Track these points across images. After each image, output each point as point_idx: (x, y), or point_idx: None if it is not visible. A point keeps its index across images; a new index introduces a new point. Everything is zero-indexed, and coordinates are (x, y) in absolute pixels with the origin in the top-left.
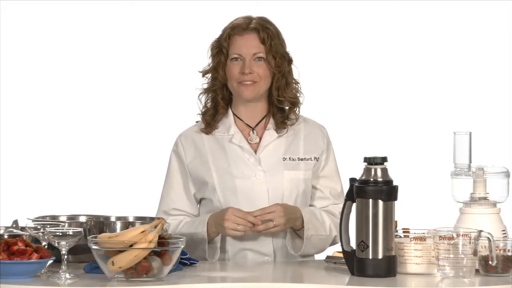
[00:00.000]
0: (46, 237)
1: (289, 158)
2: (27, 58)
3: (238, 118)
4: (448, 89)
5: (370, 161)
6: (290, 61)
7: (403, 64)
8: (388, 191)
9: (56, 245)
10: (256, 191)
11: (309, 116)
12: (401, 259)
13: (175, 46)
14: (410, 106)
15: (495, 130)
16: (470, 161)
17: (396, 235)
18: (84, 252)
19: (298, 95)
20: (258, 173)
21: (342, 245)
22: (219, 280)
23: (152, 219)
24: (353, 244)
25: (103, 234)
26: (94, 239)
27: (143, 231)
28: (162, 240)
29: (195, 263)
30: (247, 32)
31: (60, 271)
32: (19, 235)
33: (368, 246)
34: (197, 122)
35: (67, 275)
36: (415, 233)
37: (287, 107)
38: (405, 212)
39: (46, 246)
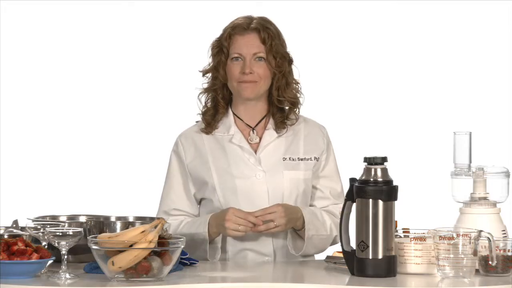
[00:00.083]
0: (46, 237)
1: (289, 158)
2: (27, 58)
3: (238, 118)
4: (448, 89)
5: (370, 161)
6: (290, 61)
7: (403, 64)
8: (388, 191)
9: (56, 245)
10: (256, 191)
11: (309, 116)
12: (401, 259)
13: (175, 46)
14: (410, 106)
15: (495, 130)
16: (470, 161)
17: (396, 235)
18: (84, 252)
19: (298, 95)
20: (258, 173)
21: (342, 245)
22: (219, 280)
23: (152, 219)
24: (353, 244)
25: (103, 234)
26: (94, 239)
27: (143, 231)
28: (162, 240)
29: (195, 263)
30: (248, 32)
31: (60, 271)
32: (19, 235)
33: (368, 246)
34: (197, 122)
35: (67, 275)
36: (415, 233)
37: (287, 107)
38: (405, 212)
39: (46, 246)
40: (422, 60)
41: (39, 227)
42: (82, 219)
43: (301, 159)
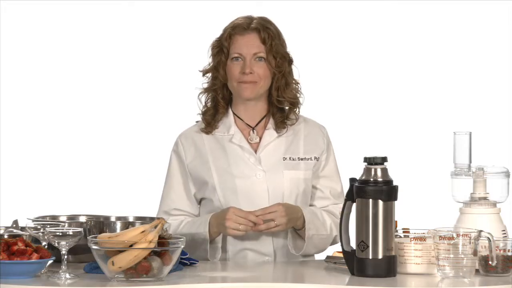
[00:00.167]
0: (46, 237)
1: (289, 158)
2: (27, 58)
3: (238, 117)
4: (448, 89)
5: (370, 161)
6: (290, 61)
7: (403, 64)
8: (388, 191)
9: (56, 245)
10: (256, 191)
11: (309, 116)
12: (401, 259)
13: (175, 46)
14: (410, 106)
15: (495, 130)
16: (470, 161)
17: (396, 235)
18: (84, 252)
19: (298, 95)
20: (258, 172)
21: (342, 245)
22: (219, 280)
23: (152, 219)
24: (353, 244)
25: (103, 234)
26: (94, 239)
27: (143, 231)
28: (162, 240)
29: (195, 263)
30: (248, 32)
31: (60, 271)
32: (19, 235)
33: (368, 246)
34: (197, 122)
35: (67, 275)
36: (415, 233)
37: (287, 107)
38: (405, 212)
39: (46, 246)
40: (422, 60)
41: (39, 227)
42: (82, 219)
43: (301, 159)
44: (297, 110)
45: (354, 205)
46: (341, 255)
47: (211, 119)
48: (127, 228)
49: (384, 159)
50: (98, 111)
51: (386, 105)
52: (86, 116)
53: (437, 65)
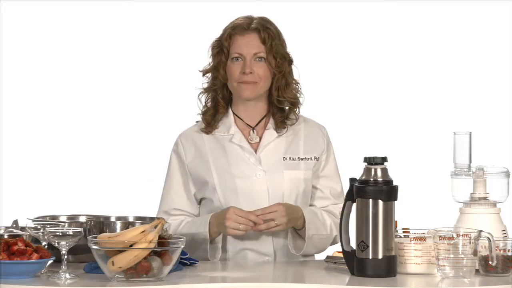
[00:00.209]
0: (46, 237)
1: (289, 158)
2: (27, 58)
3: (238, 117)
4: (448, 89)
5: (370, 161)
6: (290, 61)
7: (403, 64)
8: (388, 191)
9: (56, 245)
10: (256, 191)
11: (309, 116)
12: (401, 259)
13: (175, 46)
14: (410, 106)
15: (495, 130)
16: (470, 161)
17: (396, 235)
18: (84, 252)
19: (298, 95)
20: (258, 172)
21: (342, 245)
22: (219, 280)
23: (152, 219)
24: (353, 244)
25: (103, 234)
26: (94, 239)
27: (143, 231)
28: (162, 240)
29: (195, 263)
30: (248, 32)
31: (60, 271)
32: (19, 235)
33: (368, 246)
34: (197, 122)
35: (67, 275)
36: (415, 233)
37: (287, 107)
38: (405, 212)
39: (46, 246)
40: (422, 60)
41: (39, 227)
42: (82, 219)
43: (301, 159)
44: (297, 110)
45: (354, 205)
46: (341, 255)
47: (211, 119)
48: (127, 228)
49: (384, 159)
50: (98, 111)
51: (386, 105)
52: (86, 116)
53: (437, 65)
